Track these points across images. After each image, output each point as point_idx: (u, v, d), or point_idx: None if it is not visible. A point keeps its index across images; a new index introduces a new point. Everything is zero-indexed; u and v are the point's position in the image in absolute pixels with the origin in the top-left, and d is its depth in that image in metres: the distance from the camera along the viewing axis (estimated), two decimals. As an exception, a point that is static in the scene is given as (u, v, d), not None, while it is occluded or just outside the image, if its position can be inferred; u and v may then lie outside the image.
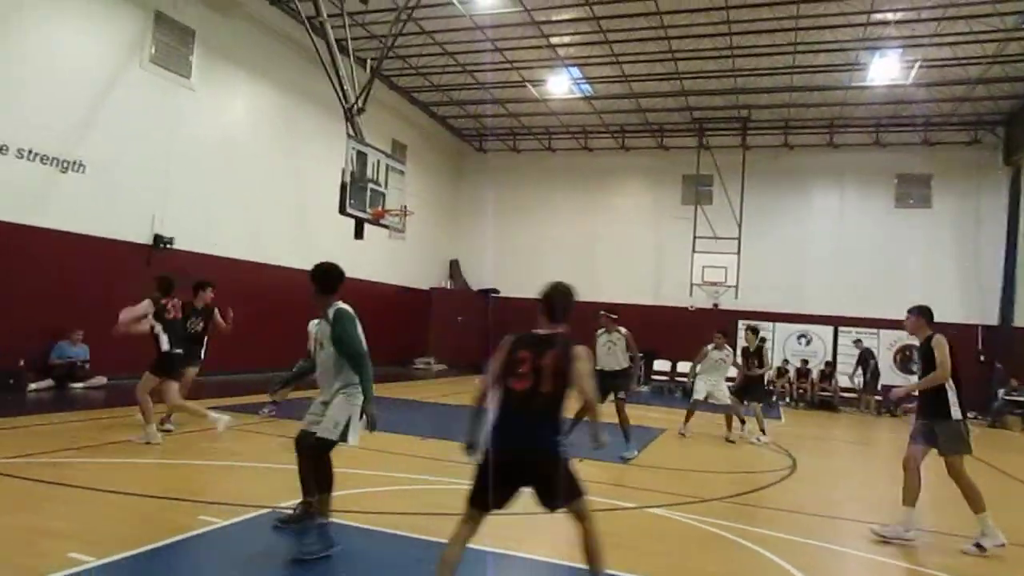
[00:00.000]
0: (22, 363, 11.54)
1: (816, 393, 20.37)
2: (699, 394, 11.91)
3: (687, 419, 11.90)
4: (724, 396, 11.87)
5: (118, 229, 13.37)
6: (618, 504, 6.77)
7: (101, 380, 12.52)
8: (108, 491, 5.82)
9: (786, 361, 21.64)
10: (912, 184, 22.44)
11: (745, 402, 11.91)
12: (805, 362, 21.09)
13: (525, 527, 5.97)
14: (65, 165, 12.29)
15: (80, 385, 12.14)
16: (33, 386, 11.47)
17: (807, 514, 7.08)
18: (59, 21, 12.21)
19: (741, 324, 22.96)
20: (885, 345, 21.13)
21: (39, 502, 5.43)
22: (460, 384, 18.83)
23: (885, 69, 17.59)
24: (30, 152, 11.70)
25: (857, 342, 20.03)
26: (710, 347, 12.00)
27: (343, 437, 4.93)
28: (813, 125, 22.54)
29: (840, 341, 21.93)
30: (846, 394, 20.31)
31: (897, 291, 21.48)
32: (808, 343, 22.24)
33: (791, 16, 15.79)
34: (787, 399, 20.56)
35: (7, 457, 6.68)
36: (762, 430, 11.82)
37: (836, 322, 22.20)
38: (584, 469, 8.47)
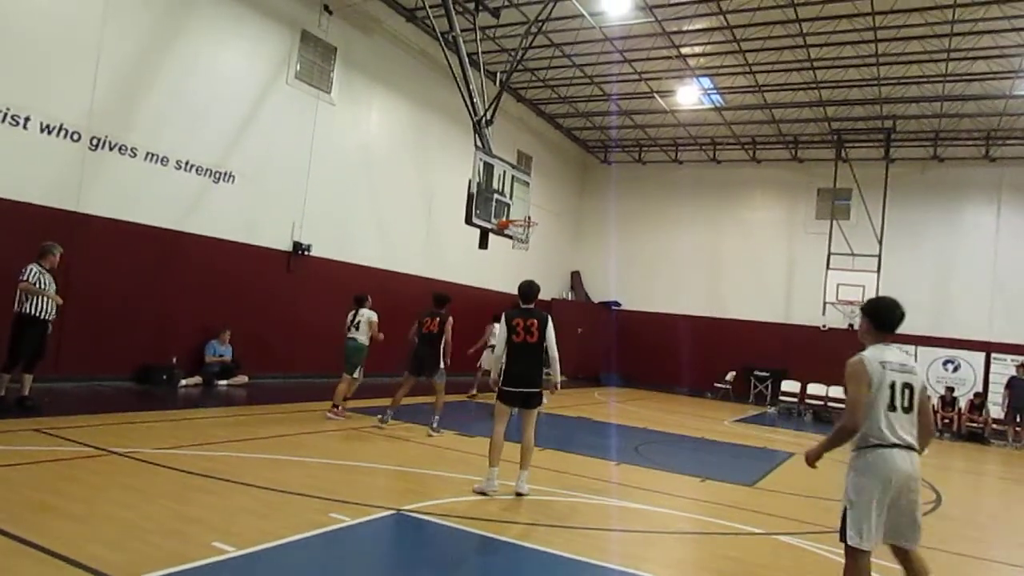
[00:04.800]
0: (175, 360, 12.44)
1: (964, 424, 18.84)
2: None
3: None
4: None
5: (262, 236, 14.21)
6: (745, 529, 6.52)
7: (243, 379, 13.32)
8: (248, 484, 6.15)
9: (924, 388, 20.08)
10: (1082, 200, 20.47)
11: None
12: (951, 389, 19.53)
13: (648, 545, 5.84)
14: (217, 176, 13.20)
15: (225, 383, 12.95)
16: (184, 382, 12.31)
17: (951, 552, 6.56)
18: (219, 44, 13.15)
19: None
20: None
21: (186, 492, 5.81)
22: (580, 396, 18.73)
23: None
24: (187, 164, 12.63)
25: (1021, 367, 18.24)
26: None
27: None
28: (967, 137, 21.00)
29: (993, 368, 20.21)
30: (999, 426, 18.65)
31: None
32: (956, 369, 20.63)
33: (945, 21, 14.77)
34: (930, 429, 19.08)
35: (159, 448, 7.21)
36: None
37: (989, 348, 20.50)
38: (708, 490, 8.24)
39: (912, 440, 4.07)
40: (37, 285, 8.39)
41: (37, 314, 8.42)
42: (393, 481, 7.06)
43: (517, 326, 6.98)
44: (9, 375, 8.46)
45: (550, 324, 7.03)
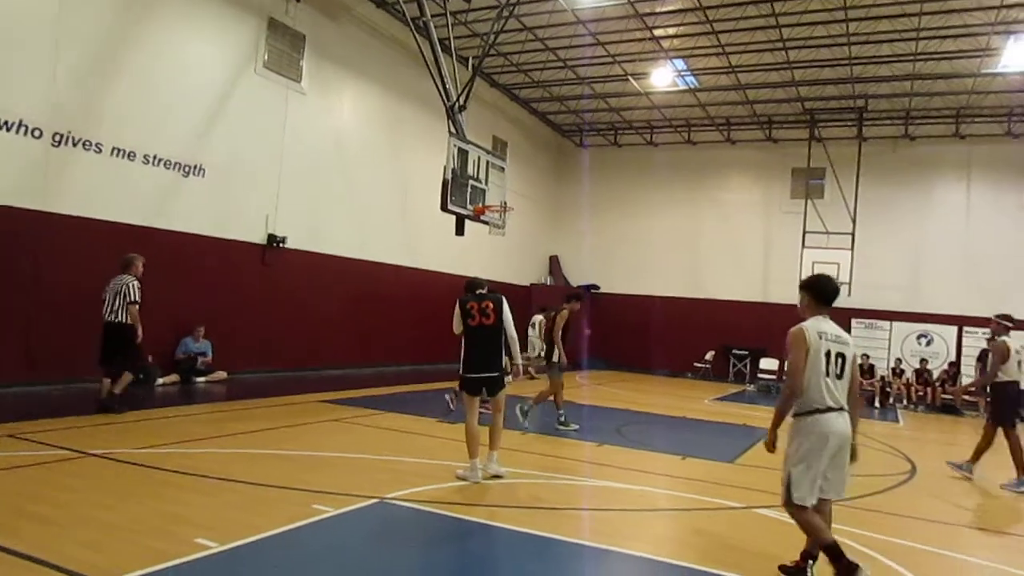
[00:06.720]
0: (151, 359, 12.26)
1: (939, 396, 19.21)
2: None
3: None
4: None
5: (235, 230, 14.01)
6: (724, 503, 6.60)
7: (222, 375, 13.18)
8: (229, 480, 6.12)
9: (899, 361, 20.52)
10: (1050, 177, 20.76)
11: None
12: (924, 362, 19.92)
13: (628, 523, 5.88)
14: (187, 170, 12.97)
15: (203, 380, 12.80)
16: (161, 380, 12.13)
17: (926, 520, 6.71)
18: (183, 33, 12.88)
19: (855, 323, 22.05)
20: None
21: (168, 490, 5.75)
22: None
23: (1021, 54, 16.34)
24: (155, 158, 12.38)
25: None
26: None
27: None
28: (937, 115, 21.22)
29: (965, 342, 20.60)
30: (971, 398, 19.01)
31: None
32: (929, 343, 21.00)
33: (915, 0, 14.89)
34: (904, 401, 19.48)
35: (139, 447, 7.13)
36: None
37: (961, 322, 20.85)
38: (689, 467, 8.31)
39: (844, 403, 4.54)
40: (139, 305, 9.15)
41: (133, 323, 9.16)
42: (375, 471, 7.03)
43: (472, 309, 6.89)
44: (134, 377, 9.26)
45: (506, 304, 6.97)
